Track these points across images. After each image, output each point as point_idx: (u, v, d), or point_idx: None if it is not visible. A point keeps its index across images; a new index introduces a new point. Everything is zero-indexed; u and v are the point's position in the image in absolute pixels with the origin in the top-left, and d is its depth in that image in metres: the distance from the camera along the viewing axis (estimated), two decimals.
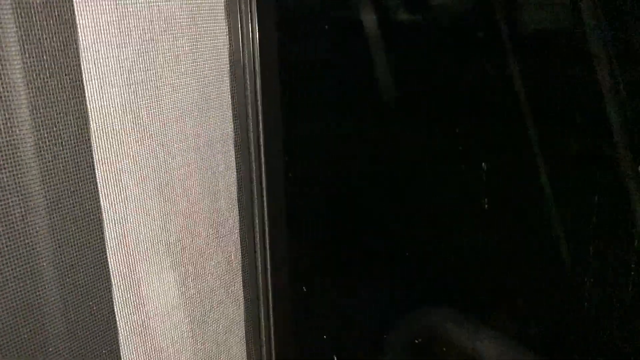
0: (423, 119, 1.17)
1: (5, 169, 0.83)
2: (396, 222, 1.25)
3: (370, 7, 1.19)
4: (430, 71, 1.12)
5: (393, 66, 1.16)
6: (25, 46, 0.83)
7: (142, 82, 1.01)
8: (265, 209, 1.29)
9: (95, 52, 0.93)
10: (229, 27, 1.15)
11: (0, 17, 0.79)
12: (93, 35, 0.92)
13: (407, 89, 1.17)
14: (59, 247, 0.92)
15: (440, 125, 1.14)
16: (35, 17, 0.83)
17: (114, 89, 0.97)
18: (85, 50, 0.92)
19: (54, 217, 0.91)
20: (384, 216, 1.25)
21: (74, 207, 0.93)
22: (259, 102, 1.20)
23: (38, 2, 0.83)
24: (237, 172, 1.23)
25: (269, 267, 1.29)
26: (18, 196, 0.85)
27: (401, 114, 1.18)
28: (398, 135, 1.19)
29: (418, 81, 1.15)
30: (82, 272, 0.96)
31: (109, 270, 1.00)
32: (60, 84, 0.88)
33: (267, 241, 1.27)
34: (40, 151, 0.87)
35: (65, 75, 0.88)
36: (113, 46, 0.96)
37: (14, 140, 0.84)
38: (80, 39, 0.90)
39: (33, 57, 0.83)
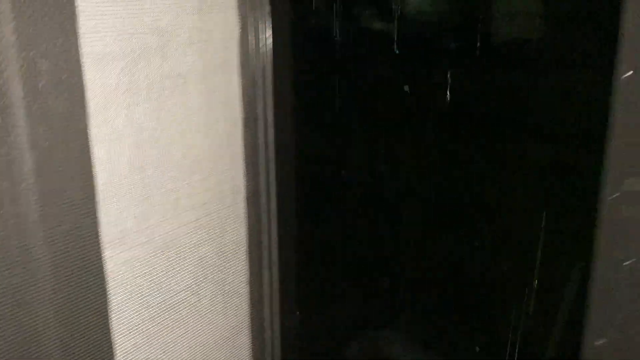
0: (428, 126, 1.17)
1: (10, 238, 0.81)
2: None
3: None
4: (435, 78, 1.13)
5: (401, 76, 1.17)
6: (32, 108, 0.80)
7: (150, 140, 0.99)
8: (276, 265, 1.25)
9: (104, 113, 0.91)
10: (242, 80, 1.12)
11: (8, 82, 0.77)
12: (102, 96, 0.90)
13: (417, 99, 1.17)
14: (62, 317, 0.89)
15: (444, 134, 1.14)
16: (44, 81, 0.81)
17: (121, 149, 0.94)
18: (95, 111, 0.89)
19: (57, 279, 0.88)
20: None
21: (77, 271, 0.90)
22: (271, 154, 1.17)
23: (46, 66, 0.81)
24: (247, 226, 1.20)
25: (277, 325, 1.26)
26: (22, 265, 0.83)
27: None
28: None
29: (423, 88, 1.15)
30: (84, 339, 0.93)
31: (110, 335, 0.97)
32: (67, 147, 0.85)
33: (277, 297, 1.24)
34: (45, 218, 0.84)
35: (73, 139, 0.86)
36: (122, 106, 0.93)
37: (19, 209, 0.81)
38: (89, 101, 0.88)
39: (41, 123, 0.81)
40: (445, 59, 1.10)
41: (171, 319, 1.10)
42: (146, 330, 1.05)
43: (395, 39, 1.13)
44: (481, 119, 1.10)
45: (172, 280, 1.09)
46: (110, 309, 0.97)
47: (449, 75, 1.07)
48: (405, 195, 1.21)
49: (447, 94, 1.08)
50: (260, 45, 1.11)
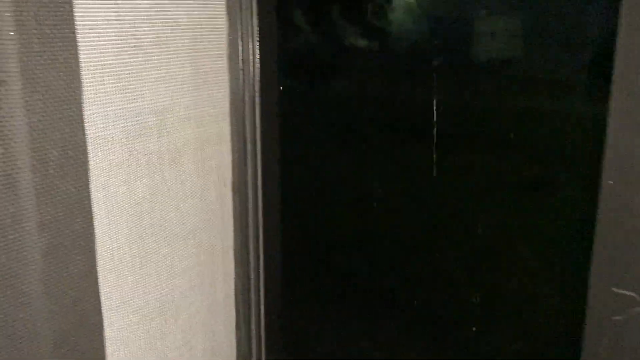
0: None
1: (17, 312, 0.87)
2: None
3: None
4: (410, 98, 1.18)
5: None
6: (42, 192, 0.87)
7: (148, 211, 1.05)
8: (262, 322, 1.32)
9: (106, 190, 0.98)
10: (233, 147, 1.20)
11: (22, 171, 0.84)
12: (105, 175, 0.97)
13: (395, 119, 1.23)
14: None
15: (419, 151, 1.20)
16: (53, 167, 0.87)
17: (121, 222, 1.01)
18: (97, 189, 0.96)
19: (60, 350, 0.94)
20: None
21: (79, 339, 0.96)
22: (260, 214, 1.25)
23: (55, 153, 0.87)
24: (235, 281, 1.27)
25: None
26: (28, 338, 0.89)
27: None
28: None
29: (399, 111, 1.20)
30: None
31: None
32: (72, 225, 0.91)
33: (264, 350, 1.30)
34: (49, 290, 0.90)
35: (78, 216, 0.92)
36: (122, 182, 1.00)
37: (26, 286, 0.87)
38: (92, 180, 0.95)
39: (49, 204, 0.88)
40: (428, 76, 1.15)
41: None
42: None
43: (379, 56, 1.19)
44: (462, 136, 1.15)
45: (166, 338, 1.15)
46: None
47: (432, 92, 1.12)
48: (392, 230, 1.27)
49: (430, 111, 1.13)
50: (250, 116, 1.19)
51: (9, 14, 0.80)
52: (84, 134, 0.91)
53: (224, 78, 1.15)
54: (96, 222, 0.96)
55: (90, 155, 0.94)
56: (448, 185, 1.19)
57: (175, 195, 1.10)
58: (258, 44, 1.14)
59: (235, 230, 1.25)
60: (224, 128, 1.18)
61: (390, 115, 1.24)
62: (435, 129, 1.16)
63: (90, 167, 0.94)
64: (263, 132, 1.20)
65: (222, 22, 1.12)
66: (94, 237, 0.96)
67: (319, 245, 1.32)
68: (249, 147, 1.21)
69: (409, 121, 1.21)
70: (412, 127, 1.21)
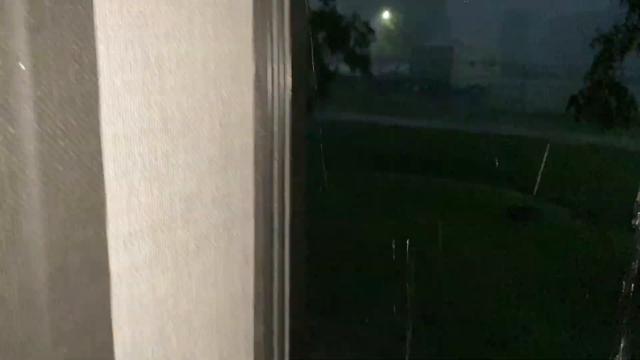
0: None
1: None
2: None
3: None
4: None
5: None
6: (59, 301, 0.77)
7: (172, 309, 0.95)
8: None
9: (130, 290, 0.88)
10: (257, 230, 1.11)
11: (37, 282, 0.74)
12: (129, 273, 0.87)
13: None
14: None
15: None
16: (72, 273, 0.78)
17: (144, 324, 0.91)
18: (118, 287, 0.86)
19: None
20: None
21: None
22: (287, 301, 1.16)
23: (74, 257, 0.78)
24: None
25: None
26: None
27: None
28: None
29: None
30: None
31: None
32: (93, 336, 0.81)
33: None
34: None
35: (98, 327, 0.82)
36: (146, 279, 0.90)
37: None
38: (113, 277, 0.85)
39: (67, 314, 0.78)
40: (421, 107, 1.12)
41: None
42: None
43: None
44: (443, 162, 1.13)
45: None
46: None
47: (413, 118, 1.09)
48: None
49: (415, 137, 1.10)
50: (279, 193, 1.11)
51: (32, 109, 0.71)
52: (106, 234, 0.82)
53: (250, 157, 1.07)
54: (116, 329, 0.86)
55: (113, 255, 0.84)
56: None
57: (199, 287, 1.00)
58: (290, 120, 1.07)
59: (256, 319, 1.15)
60: (249, 207, 1.09)
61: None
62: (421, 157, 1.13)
63: (112, 268, 0.84)
64: (292, 209, 1.12)
65: (250, 99, 1.05)
66: (114, 346, 0.85)
67: (350, 337, 1.23)
68: (276, 224, 1.13)
69: (394, 149, 1.18)
70: (399, 155, 1.17)
